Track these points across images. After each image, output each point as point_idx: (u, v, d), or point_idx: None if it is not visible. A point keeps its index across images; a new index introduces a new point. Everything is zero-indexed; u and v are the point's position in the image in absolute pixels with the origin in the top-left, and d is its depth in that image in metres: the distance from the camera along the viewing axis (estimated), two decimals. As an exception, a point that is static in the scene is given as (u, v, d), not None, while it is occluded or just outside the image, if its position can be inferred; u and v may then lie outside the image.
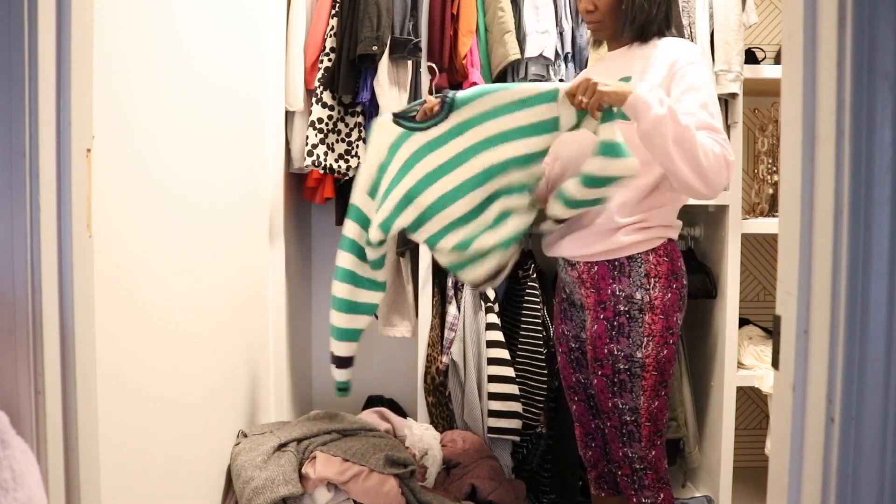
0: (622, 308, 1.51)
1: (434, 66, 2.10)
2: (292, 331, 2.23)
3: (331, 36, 2.09)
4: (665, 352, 1.52)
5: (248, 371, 1.84)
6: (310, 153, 2.06)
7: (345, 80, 2.04)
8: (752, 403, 2.68)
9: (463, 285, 2.13)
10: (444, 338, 2.13)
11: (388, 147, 1.65)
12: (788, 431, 0.76)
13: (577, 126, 1.47)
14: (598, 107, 1.37)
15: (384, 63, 2.05)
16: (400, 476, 1.62)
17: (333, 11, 2.10)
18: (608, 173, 1.42)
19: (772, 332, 0.82)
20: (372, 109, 2.10)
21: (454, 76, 2.12)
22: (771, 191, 2.30)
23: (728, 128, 2.14)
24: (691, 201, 2.06)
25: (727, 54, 2.06)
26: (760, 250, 2.65)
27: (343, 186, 2.23)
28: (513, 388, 2.03)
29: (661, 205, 1.52)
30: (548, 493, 2.15)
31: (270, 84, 2.06)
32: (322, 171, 2.11)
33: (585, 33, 2.17)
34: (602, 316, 1.54)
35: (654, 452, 1.56)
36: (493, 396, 2.03)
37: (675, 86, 1.46)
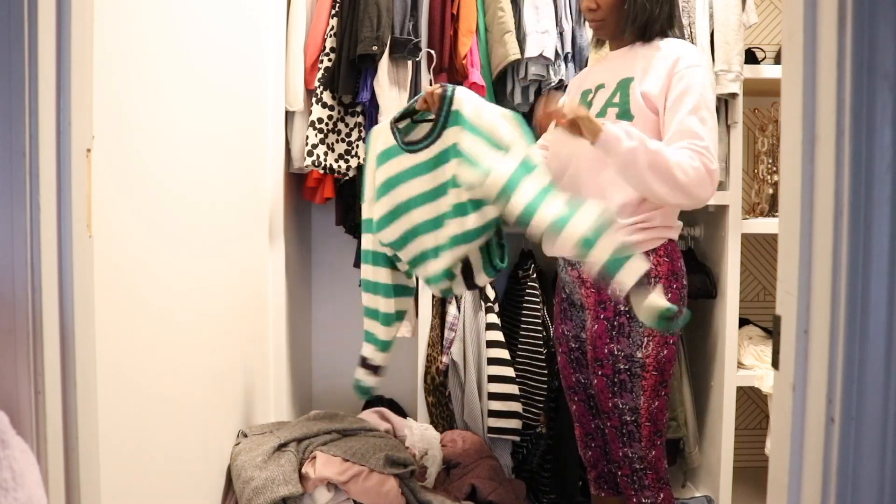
0: (622, 308, 1.51)
1: (432, 52, 2.09)
2: (292, 331, 2.23)
3: (331, 36, 2.09)
4: (665, 352, 1.52)
5: (248, 371, 1.84)
6: (310, 153, 2.06)
7: (345, 80, 2.04)
8: (752, 403, 2.68)
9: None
10: (444, 338, 2.13)
11: (378, 154, 1.65)
12: (788, 431, 0.76)
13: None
14: (567, 125, 1.40)
15: (384, 63, 2.05)
16: (400, 476, 1.62)
17: (333, 11, 2.10)
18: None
19: (772, 332, 0.82)
20: (372, 109, 2.10)
21: (454, 76, 2.12)
22: (771, 191, 2.30)
23: (728, 128, 2.14)
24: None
25: (727, 54, 2.06)
26: (760, 250, 2.65)
27: (343, 186, 2.23)
28: (513, 388, 2.03)
29: (660, 206, 1.52)
30: (548, 493, 2.15)
31: (270, 84, 2.06)
32: (322, 171, 2.11)
33: (586, 33, 2.17)
34: (602, 316, 1.54)
35: (654, 452, 1.56)
36: (493, 396, 2.03)
37: (672, 88, 1.46)
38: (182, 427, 1.34)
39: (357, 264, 2.31)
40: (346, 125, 2.13)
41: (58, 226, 0.83)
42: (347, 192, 2.24)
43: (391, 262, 1.70)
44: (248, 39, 1.86)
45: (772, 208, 2.30)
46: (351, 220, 2.24)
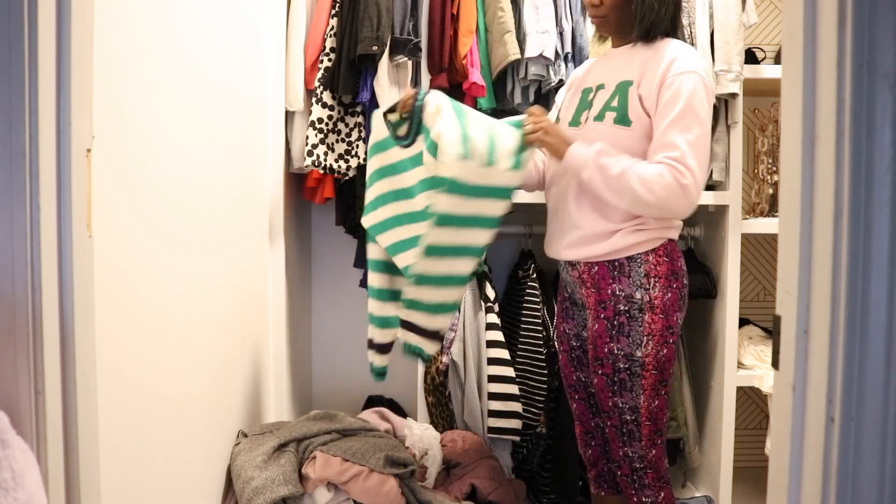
0: (622, 307, 1.51)
1: (419, 41, 2.09)
2: (292, 331, 2.23)
3: (331, 36, 2.09)
4: (665, 351, 1.52)
5: (248, 371, 1.84)
6: (310, 153, 2.06)
7: (345, 80, 2.04)
8: (752, 403, 2.68)
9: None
10: (444, 338, 2.13)
11: (374, 143, 1.70)
12: (788, 431, 0.76)
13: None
14: (533, 140, 1.52)
15: (384, 63, 2.05)
16: (400, 476, 1.62)
17: (333, 11, 2.10)
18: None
19: (772, 332, 0.82)
20: (372, 109, 2.10)
21: (454, 76, 2.12)
22: (771, 191, 2.30)
23: (728, 128, 2.14)
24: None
25: (727, 54, 2.06)
26: (760, 250, 2.65)
27: (343, 186, 2.23)
28: (513, 388, 2.03)
29: None
30: (548, 493, 2.15)
31: (270, 84, 2.06)
32: (322, 171, 2.11)
33: (586, 33, 2.17)
34: (602, 315, 1.54)
35: (654, 451, 1.56)
36: (493, 396, 2.03)
37: (660, 96, 1.47)
38: (182, 427, 1.34)
39: (357, 264, 2.32)
40: (346, 125, 2.13)
41: (58, 226, 0.83)
42: (347, 192, 2.24)
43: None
44: (248, 39, 1.86)
45: (772, 208, 2.30)
46: (351, 220, 2.24)
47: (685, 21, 2.07)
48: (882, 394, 0.69)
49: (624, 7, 1.54)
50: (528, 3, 2.12)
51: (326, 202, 2.30)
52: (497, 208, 1.51)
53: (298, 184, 2.30)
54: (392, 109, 1.66)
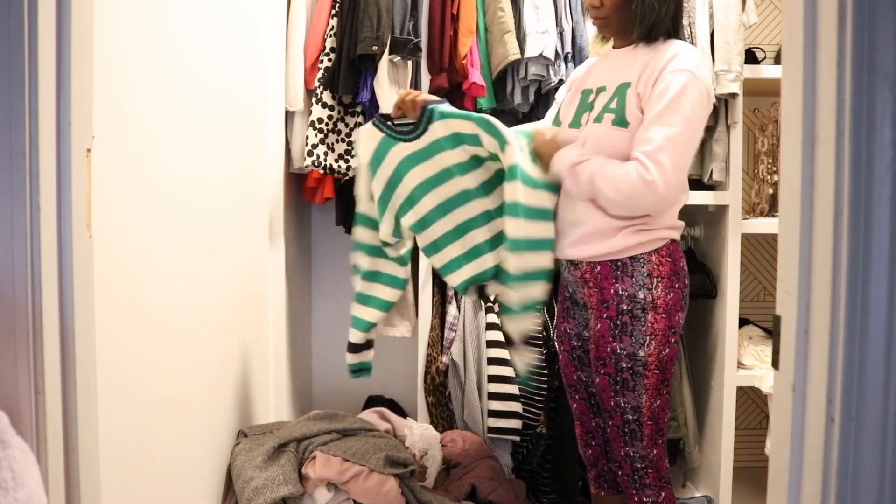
0: (625, 307, 1.51)
1: (419, 41, 2.10)
2: (292, 331, 2.23)
3: (331, 36, 2.09)
4: (667, 351, 1.52)
5: (248, 371, 1.84)
6: (310, 153, 2.06)
7: (345, 80, 2.04)
8: (752, 403, 2.68)
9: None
10: (444, 338, 2.13)
11: (373, 151, 1.70)
12: (788, 431, 0.76)
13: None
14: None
15: (384, 63, 2.05)
16: (400, 476, 1.62)
17: (333, 11, 2.10)
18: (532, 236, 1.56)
19: (772, 332, 0.82)
20: (372, 109, 2.10)
21: (454, 76, 2.12)
22: (771, 191, 2.30)
23: (728, 128, 2.14)
24: (691, 202, 2.06)
25: (727, 54, 2.06)
26: (760, 250, 2.65)
27: (343, 186, 2.23)
28: (513, 388, 2.03)
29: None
30: (548, 493, 2.15)
31: (270, 84, 2.06)
32: (322, 171, 2.11)
33: (586, 33, 2.17)
34: (605, 315, 1.54)
35: (655, 451, 1.56)
36: (493, 396, 2.03)
37: (652, 91, 1.46)
38: (182, 427, 1.34)
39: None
40: (346, 125, 2.13)
41: (58, 226, 0.83)
42: (347, 192, 2.24)
43: (381, 252, 1.76)
44: (248, 39, 1.86)
45: (772, 208, 2.30)
46: (351, 220, 2.23)
47: (685, 21, 2.07)
48: (882, 394, 0.69)
49: (625, 8, 1.53)
50: (528, 3, 2.12)
51: (326, 202, 2.30)
52: (553, 201, 1.61)
53: (298, 184, 2.30)
54: (388, 116, 1.68)
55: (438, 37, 2.11)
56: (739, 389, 2.20)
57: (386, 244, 1.74)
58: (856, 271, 0.69)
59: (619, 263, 1.52)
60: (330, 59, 2.08)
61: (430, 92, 2.12)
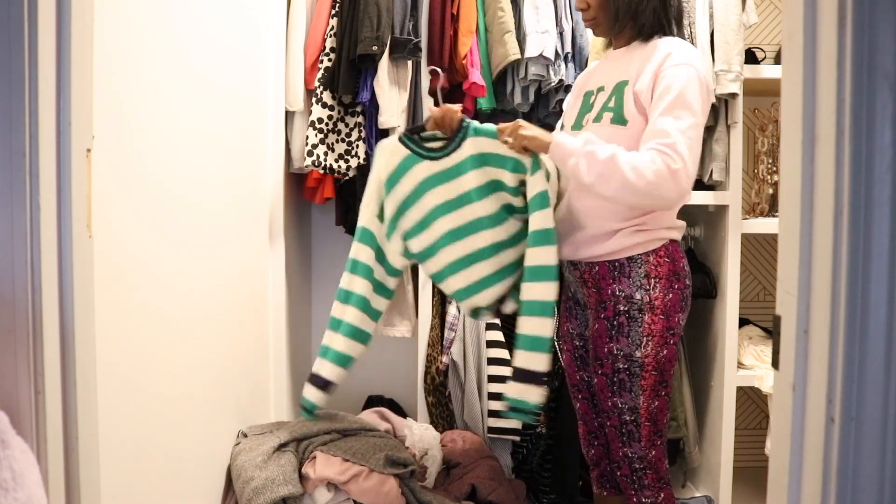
0: (622, 308, 1.51)
1: (438, 70, 2.09)
2: (292, 331, 2.23)
3: (331, 36, 2.09)
4: (665, 352, 1.52)
5: (248, 371, 1.84)
6: (310, 153, 2.06)
7: (345, 80, 2.04)
8: (752, 403, 2.68)
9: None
10: (444, 338, 2.13)
11: (394, 168, 1.68)
12: (788, 431, 0.76)
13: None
14: (521, 149, 1.54)
15: (384, 63, 2.05)
16: (400, 476, 1.62)
17: (333, 11, 2.10)
18: (542, 263, 1.53)
19: (772, 332, 0.82)
20: (372, 109, 2.10)
21: (454, 76, 2.12)
22: (771, 191, 2.30)
23: (728, 128, 2.14)
24: (692, 202, 2.06)
25: (727, 54, 2.06)
26: (760, 250, 2.65)
27: (343, 186, 2.23)
28: (513, 388, 2.03)
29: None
30: (548, 493, 2.15)
31: (270, 84, 2.06)
32: (322, 171, 2.11)
33: (586, 33, 2.17)
34: (602, 315, 1.54)
35: (654, 452, 1.56)
36: (493, 396, 2.03)
37: (655, 88, 1.46)
38: (182, 427, 1.34)
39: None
40: (346, 125, 2.13)
41: (58, 226, 0.83)
42: (347, 192, 2.24)
43: (371, 276, 1.72)
44: (248, 39, 1.86)
45: (772, 208, 2.30)
46: (351, 220, 2.24)
47: (685, 21, 2.07)
48: (882, 394, 0.69)
49: (608, 6, 1.54)
50: (528, 3, 2.12)
51: (326, 202, 2.30)
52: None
53: (298, 184, 2.30)
54: (417, 129, 1.68)
55: (438, 37, 2.11)
56: (739, 389, 2.20)
57: (393, 273, 1.72)
58: (856, 271, 0.69)
59: (616, 264, 1.52)
60: (330, 59, 2.08)
61: (430, 92, 2.13)
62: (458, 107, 1.65)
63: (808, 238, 0.74)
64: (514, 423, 2.02)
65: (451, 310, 2.14)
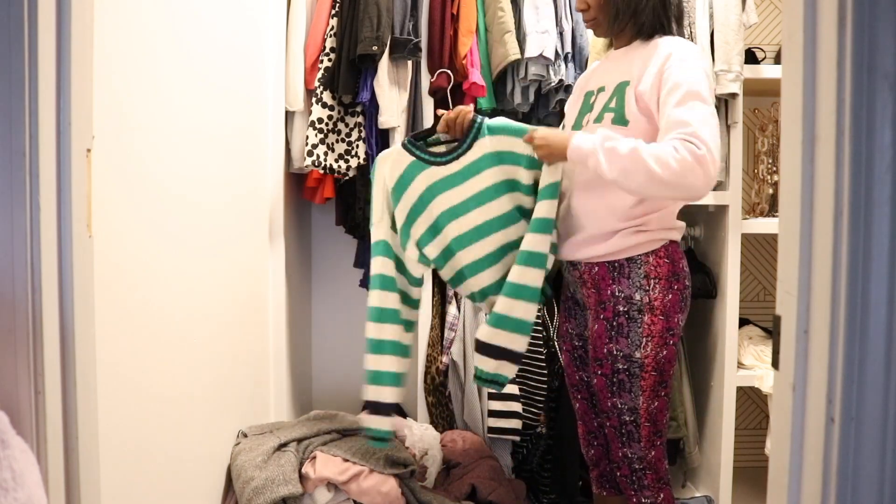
0: (621, 308, 1.51)
1: (449, 72, 2.07)
2: (292, 331, 2.23)
3: (331, 36, 2.09)
4: (665, 352, 1.52)
5: (248, 371, 1.84)
6: (310, 153, 2.06)
7: (345, 80, 2.04)
8: (752, 403, 2.68)
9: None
10: (444, 338, 2.13)
11: (399, 176, 1.66)
12: (788, 431, 0.76)
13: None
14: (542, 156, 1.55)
15: (384, 63, 2.05)
16: (400, 476, 1.62)
17: (333, 11, 2.10)
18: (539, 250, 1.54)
19: (772, 332, 0.82)
20: (372, 109, 2.10)
21: (454, 76, 2.12)
22: (771, 191, 2.30)
23: (728, 128, 2.14)
24: (691, 202, 2.06)
25: (727, 54, 2.06)
26: (760, 250, 2.65)
27: (343, 186, 2.23)
28: (513, 388, 2.03)
29: (657, 209, 1.52)
30: (548, 493, 2.15)
31: (270, 84, 2.07)
32: (322, 171, 2.11)
33: (586, 33, 2.17)
34: (602, 316, 1.54)
35: (653, 453, 1.56)
36: (493, 396, 2.03)
37: (662, 87, 1.45)
38: (182, 427, 1.34)
39: (357, 264, 2.32)
40: (346, 125, 2.13)
41: (58, 226, 0.83)
42: (347, 192, 2.24)
43: (397, 287, 1.67)
44: (248, 39, 1.86)
45: (772, 208, 2.30)
46: (351, 220, 2.24)
47: (685, 21, 2.07)
48: (882, 394, 0.69)
49: (608, 6, 1.54)
50: (528, 3, 2.12)
51: (326, 202, 2.30)
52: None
53: (298, 184, 2.30)
54: (422, 135, 1.67)
55: (438, 37, 2.11)
56: (739, 389, 2.20)
57: (414, 283, 1.70)
58: (856, 271, 0.69)
59: (616, 265, 1.52)
60: (330, 59, 2.08)
61: (430, 92, 2.13)
62: (470, 108, 1.64)
63: (808, 238, 0.74)
64: (514, 424, 2.02)
65: (451, 310, 2.14)
